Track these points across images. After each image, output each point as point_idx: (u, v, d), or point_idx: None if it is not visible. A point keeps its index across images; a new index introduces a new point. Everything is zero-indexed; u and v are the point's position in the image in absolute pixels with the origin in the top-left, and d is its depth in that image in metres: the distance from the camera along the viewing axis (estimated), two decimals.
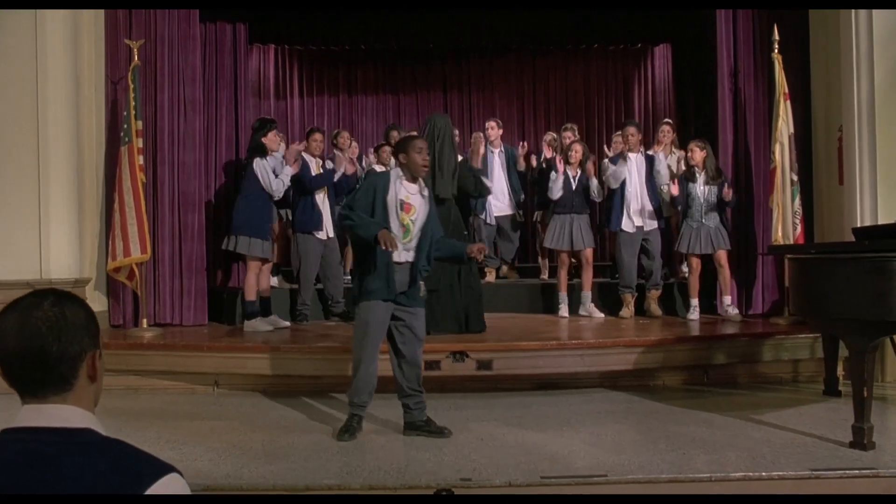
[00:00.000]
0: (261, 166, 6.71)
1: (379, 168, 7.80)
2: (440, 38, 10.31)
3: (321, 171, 7.32)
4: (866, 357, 4.08)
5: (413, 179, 4.44)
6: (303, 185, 7.13)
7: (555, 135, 8.98)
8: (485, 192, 7.13)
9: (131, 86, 6.50)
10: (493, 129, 8.36)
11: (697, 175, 6.95)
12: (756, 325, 6.52)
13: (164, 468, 1.40)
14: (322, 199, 7.26)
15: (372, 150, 8.87)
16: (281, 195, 6.89)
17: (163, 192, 7.07)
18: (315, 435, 4.61)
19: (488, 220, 8.33)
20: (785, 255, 6.21)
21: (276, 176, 6.80)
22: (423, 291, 4.49)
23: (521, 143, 9.02)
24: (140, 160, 6.53)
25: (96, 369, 1.50)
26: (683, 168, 7.39)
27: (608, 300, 7.45)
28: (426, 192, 4.51)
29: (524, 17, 9.85)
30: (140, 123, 6.56)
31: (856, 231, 5.04)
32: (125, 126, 6.48)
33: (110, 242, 6.50)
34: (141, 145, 6.57)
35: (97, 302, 6.85)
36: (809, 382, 5.99)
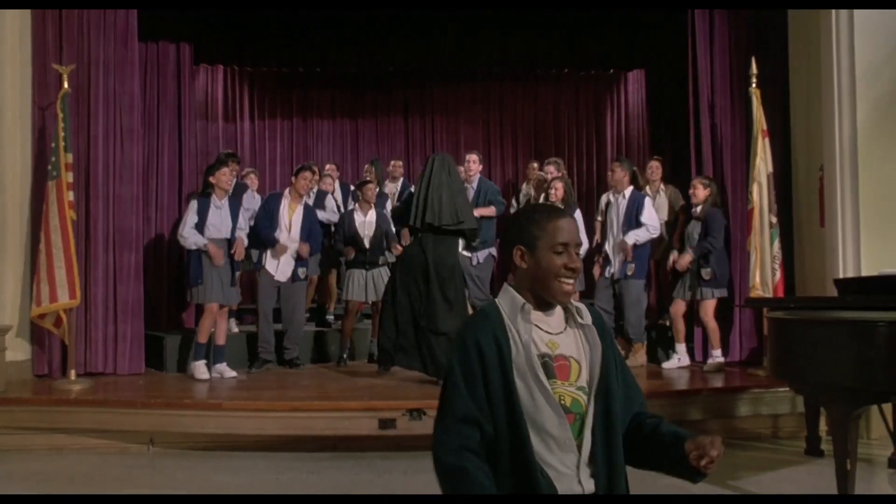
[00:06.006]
0: (188, 209, 6.63)
1: (359, 213, 7.34)
2: (401, 62, 10.17)
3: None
4: (849, 426, 4.01)
5: (546, 304, 2.14)
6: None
7: (538, 169, 8.52)
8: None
9: (60, 115, 6.28)
10: (474, 164, 7.73)
11: (699, 213, 6.74)
12: (734, 377, 6.46)
13: None
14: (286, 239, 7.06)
15: (352, 190, 8.43)
16: (188, 248, 6.59)
17: (96, 230, 6.84)
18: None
19: (474, 262, 7.58)
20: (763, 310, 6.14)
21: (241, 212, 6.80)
22: None
23: None
24: (70, 196, 6.32)
25: None
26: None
27: None
28: (585, 317, 2.16)
29: (490, 41, 9.81)
30: (70, 156, 6.36)
31: (838, 283, 5.01)
32: (53, 159, 6.27)
33: (35, 287, 6.27)
34: (71, 180, 6.36)
35: (20, 350, 6.59)
36: (790, 439, 5.92)
